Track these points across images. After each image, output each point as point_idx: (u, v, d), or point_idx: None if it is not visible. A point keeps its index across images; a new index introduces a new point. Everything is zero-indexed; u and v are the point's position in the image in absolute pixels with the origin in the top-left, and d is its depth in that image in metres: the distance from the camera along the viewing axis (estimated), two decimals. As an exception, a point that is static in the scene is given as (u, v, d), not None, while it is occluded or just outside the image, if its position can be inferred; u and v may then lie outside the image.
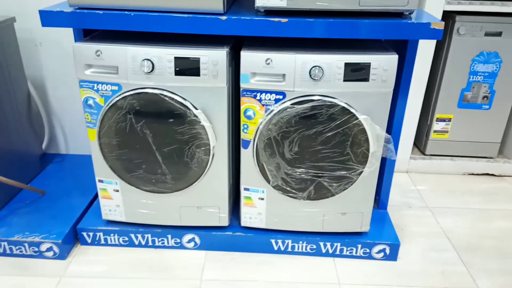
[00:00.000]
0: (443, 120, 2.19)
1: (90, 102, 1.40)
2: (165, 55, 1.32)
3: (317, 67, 1.31)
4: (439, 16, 1.89)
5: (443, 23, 1.28)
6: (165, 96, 1.36)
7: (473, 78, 2.09)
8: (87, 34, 1.49)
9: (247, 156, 1.47)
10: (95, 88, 1.38)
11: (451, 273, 1.56)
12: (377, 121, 1.38)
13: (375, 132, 1.38)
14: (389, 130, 1.52)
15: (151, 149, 1.44)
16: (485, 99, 2.13)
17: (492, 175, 2.26)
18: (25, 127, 1.90)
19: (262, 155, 1.44)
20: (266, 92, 1.36)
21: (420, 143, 2.32)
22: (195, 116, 1.38)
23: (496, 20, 1.95)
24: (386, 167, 1.65)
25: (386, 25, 1.27)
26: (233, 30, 1.30)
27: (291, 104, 1.35)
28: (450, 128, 2.20)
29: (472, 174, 2.27)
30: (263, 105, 1.38)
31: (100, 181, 1.55)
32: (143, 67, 1.33)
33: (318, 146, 1.41)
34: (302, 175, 1.46)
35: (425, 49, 1.97)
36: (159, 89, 1.36)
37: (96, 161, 1.50)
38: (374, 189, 1.50)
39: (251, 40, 1.43)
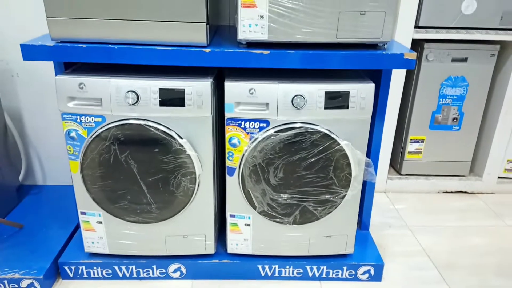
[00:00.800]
0: (416, 141, 2.28)
1: (73, 134, 1.40)
2: (149, 87, 1.34)
3: (299, 96, 1.36)
4: (408, 43, 2.00)
5: (415, 53, 1.36)
6: (150, 126, 1.37)
7: (442, 101, 2.20)
8: (67, 66, 1.49)
9: (232, 183, 1.48)
10: (78, 120, 1.38)
11: (433, 291, 1.61)
12: (358, 146, 1.43)
13: (356, 157, 1.43)
14: (368, 153, 1.57)
15: (136, 179, 1.43)
16: (455, 120, 2.24)
17: (465, 192, 2.36)
18: (2, 159, 1.85)
19: (248, 181, 1.46)
20: (250, 120, 1.39)
21: (395, 164, 2.40)
22: (181, 145, 1.39)
23: (462, 47, 2.08)
24: (366, 189, 1.70)
25: (362, 56, 1.34)
26: (216, 62, 1.34)
27: (275, 132, 1.39)
28: (423, 149, 2.30)
29: (446, 192, 2.36)
30: (247, 133, 1.41)
31: (83, 213, 1.53)
32: (128, 99, 1.34)
33: (302, 172, 1.44)
34: (288, 200, 1.48)
35: (397, 75, 2.07)
36: (144, 119, 1.37)
37: (79, 193, 1.48)
38: (357, 211, 1.54)
39: (233, 70, 1.47)
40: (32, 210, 1.91)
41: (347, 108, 1.39)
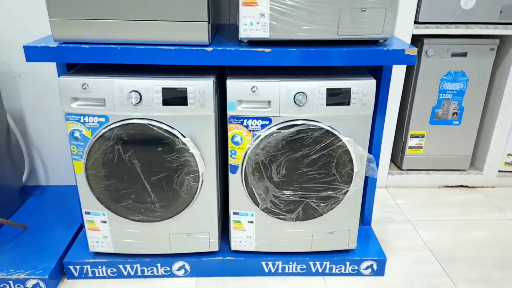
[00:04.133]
0: (417, 136, 2.29)
1: (77, 134, 1.40)
2: (152, 86, 1.35)
3: (300, 93, 1.37)
4: (408, 39, 2.00)
5: (416, 49, 1.37)
6: (153, 126, 1.38)
7: (442, 96, 2.21)
8: (70, 67, 1.50)
9: (235, 181, 1.49)
10: (82, 120, 1.39)
11: (436, 285, 1.62)
12: (359, 142, 1.44)
13: (358, 153, 1.44)
14: (369, 149, 1.58)
15: (140, 178, 1.44)
16: (455, 115, 2.25)
17: (466, 186, 2.37)
18: (5, 160, 1.86)
19: (251, 179, 1.47)
20: (253, 118, 1.40)
21: (396, 159, 2.42)
22: (184, 144, 1.40)
23: (461, 42, 2.09)
24: (368, 184, 1.71)
25: (363, 52, 1.35)
26: (218, 60, 1.34)
27: (277, 129, 1.40)
28: (424, 144, 2.31)
29: (447, 186, 2.38)
30: (250, 131, 1.42)
31: (87, 213, 1.54)
32: (131, 99, 1.35)
33: (304, 168, 1.45)
34: (291, 197, 1.49)
35: (397, 70, 2.08)
36: (147, 119, 1.38)
37: (83, 193, 1.49)
38: (359, 207, 1.56)
39: (234, 68, 1.48)
40: (35, 211, 1.92)
41: (349, 104, 1.40)
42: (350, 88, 1.38)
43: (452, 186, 2.38)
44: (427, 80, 2.17)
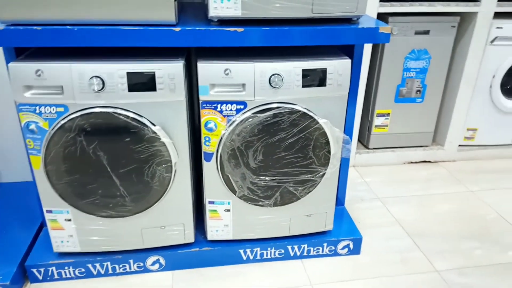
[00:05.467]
0: (382, 115, 2.32)
1: (32, 127, 1.27)
2: (116, 71, 1.24)
3: (276, 75, 1.31)
4: (374, 17, 1.99)
5: (390, 27, 1.35)
6: (119, 114, 1.27)
7: (406, 74, 2.23)
8: (20, 52, 1.34)
9: (210, 169, 1.43)
10: (37, 111, 1.25)
11: (410, 259, 1.66)
12: (336, 124, 1.42)
13: (335, 135, 1.42)
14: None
15: (107, 171, 1.34)
16: (418, 93, 2.29)
17: (429, 161, 2.45)
18: None
19: (227, 166, 1.41)
20: (227, 103, 1.33)
21: (363, 138, 2.44)
22: (154, 133, 1.31)
23: (424, 20, 2.11)
24: (341, 165, 1.70)
25: (338, 31, 1.31)
26: (188, 41, 1.25)
27: (253, 114, 1.34)
28: (389, 122, 2.34)
29: (411, 162, 2.44)
30: (224, 116, 1.35)
31: (49, 211, 1.41)
32: (92, 85, 1.23)
33: (282, 153, 1.41)
34: (268, 183, 1.45)
35: (363, 50, 2.06)
36: (112, 107, 1.27)
37: (43, 190, 1.37)
38: (335, 188, 1.55)
39: (201, 50, 1.39)
40: (-13, 211, 1.76)
41: (325, 85, 1.36)
42: (326, 68, 1.34)
43: (416, 162, 2.45)
44: (392, 59, 2.18)
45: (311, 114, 1.37)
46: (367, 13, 1.92)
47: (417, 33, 2.14)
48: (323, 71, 1.34)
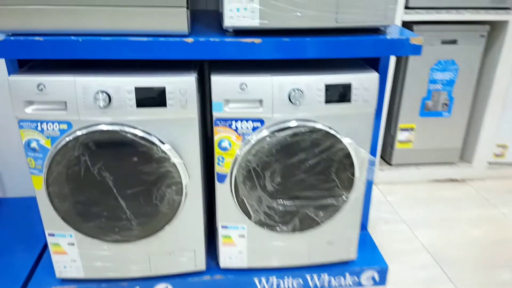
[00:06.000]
0: (406, 130, 2.19)
1: (34, 145, 1.18)
2: (123, 86, 1.14)
3: (296, 90, 1.20)
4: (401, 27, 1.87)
5: (421, 38, 1.23)
6: (126, 132, 1.17)
7: (432, 86, 2.10)
8: (23, 63, 1.26)
9: (223, 191, 1.32)
10: (39, 128, 1.16)
11: (440, 292, 1.52)
12: (361, 143, 1.29)
13: (360, 156, 1.30)
14: (368, 149, 1.44)
15: (112, 194, 1.24)
16: (445, 106, 2.15)
17: (456, 180, 2.30)
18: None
19: (242, 189, 1.29)
20: (242, 120, 1.22)
21: (385, 154, 2.30)
22: (163, 152, 1.20)
23: (452, 28, 1.98)
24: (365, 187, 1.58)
25: (366, 42, 1.19)
26: (201, 54, 1.15)
27: (271, 132, 1.23)
28: (414, 137, 2.20)
29: (437, 180, 2.29)
30: (239, 134, 1.24)
31: (51, 235, 1.32)
32: (98, 101, 1.14)
33: (301, 175, 1.29)
34: (286, 207, 1.33)
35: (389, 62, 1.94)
36: (119, 124, 1.18)
37: (45, 212, 1.27)
38: (360, 214, 1.41)
39: (215, 62, 1.28)
40: (-10, 229, 1.67)
41: (349, 101, 1.24)
42: (350, 83, 1.23)
43: (442, 180, 2.30)
44: (417, 70, 2.05)
45: (334, 133, 1.25)
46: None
47: (444, 42, 2.01)
48: (348, 86, 1.23)
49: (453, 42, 2.02)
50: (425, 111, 2.15)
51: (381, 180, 2.24)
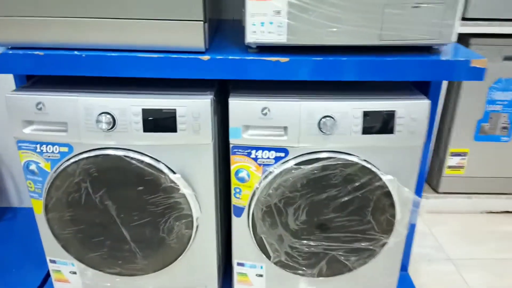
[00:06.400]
0: (458, 154, 1.93)
1: (33, 167, 1.08)
2: (129, 107, 1.01)
3: (328, 118, 1.02)
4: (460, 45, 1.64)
5: (485, 60, 1.01)
6: (132, 158, 1.04)
7: (490, 107, 1.84)
8: (28, 78, 1.17)
9: (240, 226, 1.16)
10: (38, 150, 1.06)
11: None
12: (404, 181, 1.09)
13: (403, 195, 1.10)
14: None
15: (116, 224, 1.11)
16: (504, 130, 1.88)
17: (513, 213, 2.02)
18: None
19: (260, 226, 1.13)
20: (263, 148, 1.06)
21: (432, 180, 2.06)
22: (172, 182, 1.06)
23: (517, 43, 1.71)
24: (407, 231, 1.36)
25: (417, 64, 0.99)
26: (218, 73, 1.00)
27: (296, 164, 1.05)
28: (466, 163, 1.95)
29: (491, 212, 2.02)
30: (259, 164, 1.07)
31: (53, 261, 1.22)
32: (101, 123, 1.01)
33: (331, 214, 1.11)
34: (312, 249, 1.15)
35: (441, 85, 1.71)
36: (123, 149, 1.05)
37: (45, 238, 1.18)
38: (399, 262, 1.21)
39: (238, 81, 1.13)
40: (2, 241, 1.61)
41: (392, 132, 1.05)
42: (394, 111, 1.03)
43: (497, 212, 2.02)
44: (473, 89, 1.80)
45: (372, 168, 1.06)
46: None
47: (506, 58, 1.75)
48: (391, 114, 1.03)
49: (518, 58, 1.75)
50: (480, 135, 1.89)
51: (426, 209, 2.00)
